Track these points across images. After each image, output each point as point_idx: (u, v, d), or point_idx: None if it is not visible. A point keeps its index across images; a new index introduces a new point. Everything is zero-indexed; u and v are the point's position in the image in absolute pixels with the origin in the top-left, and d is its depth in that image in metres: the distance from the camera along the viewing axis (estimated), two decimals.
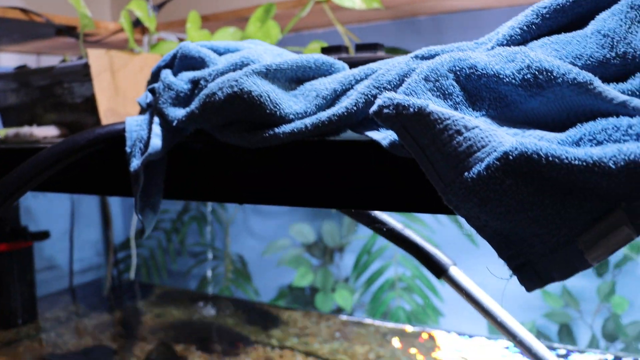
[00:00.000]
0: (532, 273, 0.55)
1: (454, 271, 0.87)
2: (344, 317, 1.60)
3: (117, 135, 0.78)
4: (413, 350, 1.36)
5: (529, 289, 0.55)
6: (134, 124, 0.78)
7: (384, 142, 0.59)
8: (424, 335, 1.45)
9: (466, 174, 0.52)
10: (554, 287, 1.66)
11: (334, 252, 1.92)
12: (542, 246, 0.53)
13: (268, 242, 2.01)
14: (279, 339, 1.44)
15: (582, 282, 1.65)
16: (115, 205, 2.26)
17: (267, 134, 0.65)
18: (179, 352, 1.37)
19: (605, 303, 1.60)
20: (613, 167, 0.47)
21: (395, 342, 1.41)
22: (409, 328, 1.51)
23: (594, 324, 1.63)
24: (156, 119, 0.70)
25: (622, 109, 0.49)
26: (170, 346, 1.38)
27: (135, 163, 0.75)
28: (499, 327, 0.83)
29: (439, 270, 0.87)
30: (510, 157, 0.50)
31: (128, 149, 0.76)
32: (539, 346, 0.80)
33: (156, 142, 0.72)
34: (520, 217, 0.52)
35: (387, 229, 0.86)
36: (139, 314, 1.69)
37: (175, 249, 2.21)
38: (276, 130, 0.64)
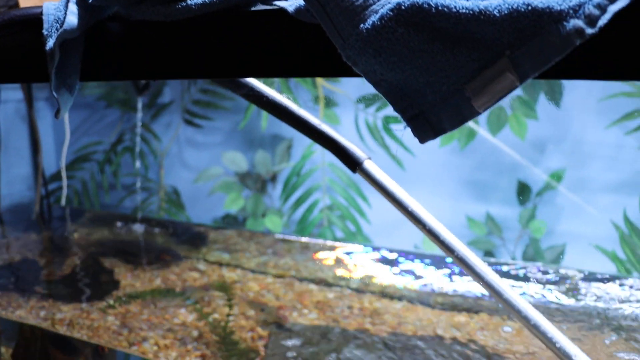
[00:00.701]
0: (425, 124, 0.58)
1: (369, 164, 0.91)
2: (277, 236, 1.65)
3: (34, 18, 0.78)
4: (330, 262, 1.42)
5: (422, 139, 0.58)
6: (52, 7, 0.78)
7: (290, 9, 0.62)
8: (346, 249, 1.52)
9: (362, 25, 0.55)
10: (478, 214, 1.74)
11: (267, 181, 1.95)
12: (433, 96, 0.56)
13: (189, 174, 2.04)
14: (207, 255, 1.48)
15: (505, 211, 1.73)
16: (46, 136, 2.22)
17: (180, 6, 0.67)
18: (106, 265, 1.38)
19: (526, 229, 1.68)
20: (497, 15, 0.50)
21: (318, 255, 1.47)
22: (336, 244, 1.57)
23: (516, 250, 1.72)
24: None
25: None
26: (98, 260, 1.40)
27: (51, 42, 0.75)
28: (412, 219, 0.88)
29: (353, 163, 0.91)
30: (403, 7, 0.53)
31: (45, 32, 0.76)
32: (448, 235, 0.86)
33: (72, 19, 0.73)
34: (413, 66, 0.55)
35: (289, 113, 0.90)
36: (67, 233, 1.69)
37: (109, 182, 2.20)
38: (189, 2, 0.65)
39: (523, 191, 1.72)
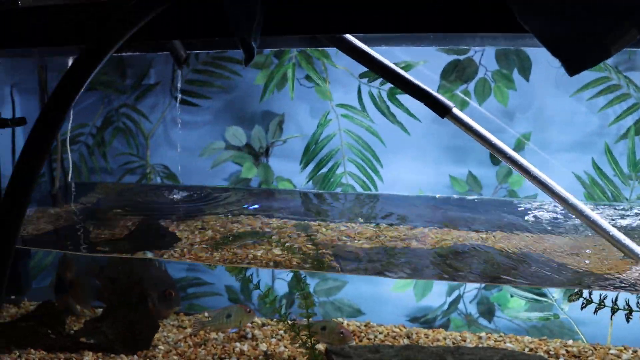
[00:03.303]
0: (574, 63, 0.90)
1: (456, 111, 1.21)
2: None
3: None
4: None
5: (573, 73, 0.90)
6: None
7: None
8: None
9: None
10: (459, 174, 2.09)
11: (260, 156, 2.20)
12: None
13: (195, 150, 2.24)
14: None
15: (483, 170, 2.09)
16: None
17: None
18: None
19: (504, 184, 2.06)
20: None
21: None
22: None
23: None
24: None
25: None
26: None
27: None
28: (495, 151, 1.19)
29: (443, 110, 1.20)
30: None
31: None
32: (525, 163, 1.18)
33: None
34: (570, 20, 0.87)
35: (386, 68, 1.19)
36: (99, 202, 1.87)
37: (100, 165, 2.34)
38: None
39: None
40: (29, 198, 0.90)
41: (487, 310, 2.08)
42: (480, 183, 2.09)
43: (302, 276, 1.60)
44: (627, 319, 1.47)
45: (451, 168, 2.11)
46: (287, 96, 2.16)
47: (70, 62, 1.47)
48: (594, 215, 1.20)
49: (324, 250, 1.42)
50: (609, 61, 1.95)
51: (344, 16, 0.97)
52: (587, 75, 1.98)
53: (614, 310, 1.51)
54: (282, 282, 2.19)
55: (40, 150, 0.90)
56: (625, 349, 1.80)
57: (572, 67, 0.91)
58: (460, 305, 2.10)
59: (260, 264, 1.37)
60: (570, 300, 1.55)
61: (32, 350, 1.64)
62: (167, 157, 2.33)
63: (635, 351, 1.78)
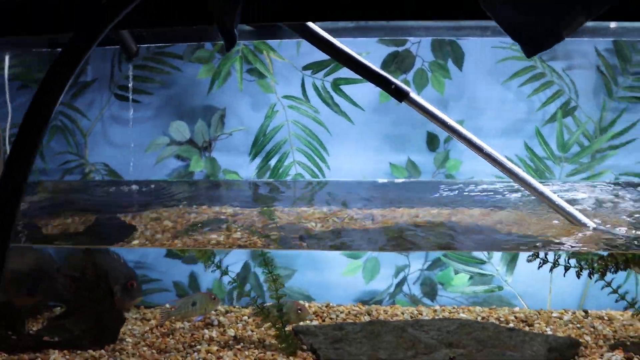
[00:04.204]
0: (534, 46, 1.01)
1: (414, 95, 1.30)
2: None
3: None
4: None
5: (530, 54, 1.01)
6: None
7: None
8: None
9: None
10: (399, 161, 2.20)
11: (202, 150, 2.24)
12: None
13: (137, 147, 2.25)
14: None
15: (421, 157, 2.21)
16: None
17: None
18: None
19: (441, 169, 2.18)
20: None
21: None
22: None
23: None
24: None
25: None
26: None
27: None
28: (452, 132, 1.29)
29: (401, 95, 1.29)
30: None
31: None
32: (478, 141, 1.28)
33: None
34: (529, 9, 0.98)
35: (350, 57, 1.27)
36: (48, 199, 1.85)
37: (39, 168, 2.31)
38: None
39: (432, 140, 2.21)
40: (25, 184, 0.92)
41: (430, 290, 2.20)
42: (419, 169, 2.21)
43: (270, 260, 1.67)
44: (578, 275, 1.65)
45: (391, 156, 2.21)
46: (227, 90, 2.20)
47: None
48: (542, 187, 1.32)
49: (285, 233, 1.48)
50: None
51: (316, 3, 1.04)
52: (515, 65, 2.13)
53: (566, 268, 1.67)
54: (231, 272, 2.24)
55: (33, 137, 0.93)
56: (565, 311, 1.98)
57: (530, 50, 1.02)
58: (405, 287, 2.21)
59: (224, 247, 1.42)
60: (528, 261, 1.68)
61: None
62: (106, 155, 2.32)
63: (573, 312, 1.96)
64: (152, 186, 2.04)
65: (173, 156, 2.25)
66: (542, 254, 1.64)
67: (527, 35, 1.01)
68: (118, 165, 2.31)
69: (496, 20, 1.00)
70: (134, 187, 2.01)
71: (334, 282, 2.20)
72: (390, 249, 1.69)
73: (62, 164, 2.33)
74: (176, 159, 2.27)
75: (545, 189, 1.33)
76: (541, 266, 1.66)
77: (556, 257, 1.67)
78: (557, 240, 1.31)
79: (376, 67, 1.31)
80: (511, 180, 1.37)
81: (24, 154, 0.93)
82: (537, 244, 1.37)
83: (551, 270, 1.68)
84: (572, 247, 1.28)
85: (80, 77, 2.32)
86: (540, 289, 2.11)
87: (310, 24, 1.24)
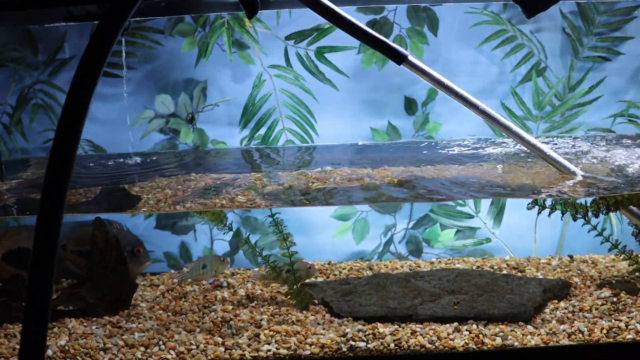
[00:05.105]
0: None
1: (412, 58, 1.39)
2: None
3: None
4: None
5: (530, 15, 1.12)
6: None
7: None
8: None
9: None
10: (380, 124, 2.30)
11: (188, 123, 2.29)
12: None
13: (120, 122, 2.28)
14: None
15: (400, 121, 2.31)
16: None
17: None
18: None
19: (421, 131, 2.29)
20: None
21: None
22: None
23: None
24: None
25: None
26: None
27: None
28: (449, 92, 1.40)
29: (400, 57, 1.38)
30: None
31: None
32: (474, 99, 1.39)
33: None
34: None
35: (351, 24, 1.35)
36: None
37: (21, 147, 2.31)
38: None
39: (410, 104, 2.32)
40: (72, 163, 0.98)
41: (416, 248, 2.32)
42: (399, 132, 2.31)
43: (279, 220, 1.75)
44: (574, 218, 1.81)
45: (371, 121, 2.31)
46: (209, 63, 2.25)
47: None
48: (534, 140, 1.44)
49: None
50: (504, 15, 2.22)
51: None
52: (487, 29, 2.24)
53: (563, 213, 1.81)
54: (222, 242, 2.32)
55: (80, 107, 0.99)
56: (552, 257, 2.15)
57: (529, 11, 1.13)
58: (392, 247, 2.33)
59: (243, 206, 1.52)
60: (528, 209, 1.81)
61: (9, 325, 1.66)
62: (90, 131, 2.34)
63: (560, 258, 2.12)
64: (155, 158, 2.09)
65: (157, 130, 2.29)
66: (540, 202, 1.77)
67: None
68: (102, 141, 2.34)
69: None
70: (137, 159, 2.06)
71: (324, 244, 2.29)
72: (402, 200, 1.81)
73: (45, 142, 2.35)
74: (159, 133, 2.31)
75: (537, 142, 1.45)
76: (540, 212, 1.80)
77: (553, 203, 1.80)
78: (553, 187, 1.44)
79: (376, 33, 1.39)
80: (506, 134, 1.48)
81: (75, 116, 0.99)
82: (535, 191, 1.50)
83: (549, 215, 1.81)
84: (569, 193, 1.41)
85: (58, 54, 2.33)
86: (525, 239, 2.26)
87: None
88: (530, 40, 2.24)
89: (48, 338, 1.36)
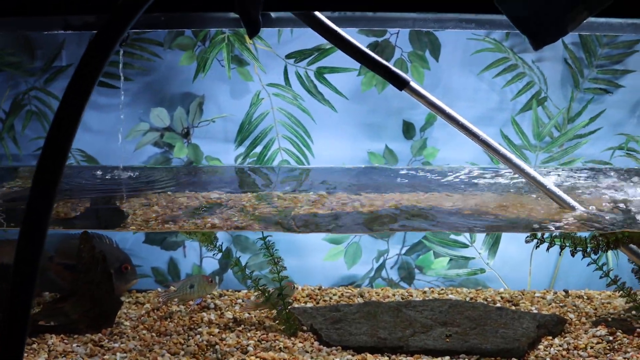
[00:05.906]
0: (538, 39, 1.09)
1: (413, 84, 1.37)
2: None
3: None
4: None
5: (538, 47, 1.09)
6: None
7: None
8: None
9: None
10: (377, 147, 2.27)
11: (183, 138, 2.26)
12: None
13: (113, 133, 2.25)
14: None
15: (398, 145, 2.28)
16: None
17: None
18: None
19: (418, 156, 2.27)
20: None
21: None
22: None
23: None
24: None
25: None
26: None
27: None
28: (449, 120, 1.37)
29: (402, 83, 1.36)
30: None
31: None
32: (475, 129, 1.36)
33: None
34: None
35: (353, 47, 1.33)
36: None
37: (12, 154, 2.28)
38: None
39: (408, 129, 2.29)
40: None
41: (408, 275, 2.29)
42: (396, 156, 2.28)
43: (270, 244, 1.72)
44: (572, 254, 1.79)
45: (368, 143, 2.28)
46: (207, 77, 2.22)
47: None
48: (534, 172, 1.42)
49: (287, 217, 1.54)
50: (506, 43, 2.21)
51: None
52: (488, 57, 2.23)
53: (562, 247, 1.78)
54: (211, 260, 2.28)
55: (72, 117, 0.95)
56: (547, 291, 2.11)
57: (537, 43, 1.10)
58: (383, 273, 2.30)
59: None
60: (526, 242, 1.79)
61: None
62: (83, 141, 2.31)
63: (555, 292, 2.09)
64: (146, 172, 2.06)
65: (152, 143, 2.26)
66: (539, 235, 1.75)
67: (533, 29, 1.09)
68: (95, 151, 2.31)
69: (506, 14, 1.08)
70: (126, 173, 2.02)
71: (316, 266, 2.26)
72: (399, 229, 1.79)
73: (37, 150, 2.31)
74: (153, 146, 2.28)
75: (537, 174, 1.42)
76: (538, 246, 1.77)
77: (552, 237, 1.78)
78: (553, 222, 1.42)
79: (378, 57, 1.37)
80: (506, 165, 1.46)
81: (63, 130, 0.95)
82: (535, 226, 1.47)
83: (548, 249, 1.78)
84: (570, 227, 1.38)
85: (55, 61, 2.30)
86: (520, 271, 2.23)
87: (318, 14, 1.29)
88: (532, 69, 2.23)
89: (26, 355, 1.32)
